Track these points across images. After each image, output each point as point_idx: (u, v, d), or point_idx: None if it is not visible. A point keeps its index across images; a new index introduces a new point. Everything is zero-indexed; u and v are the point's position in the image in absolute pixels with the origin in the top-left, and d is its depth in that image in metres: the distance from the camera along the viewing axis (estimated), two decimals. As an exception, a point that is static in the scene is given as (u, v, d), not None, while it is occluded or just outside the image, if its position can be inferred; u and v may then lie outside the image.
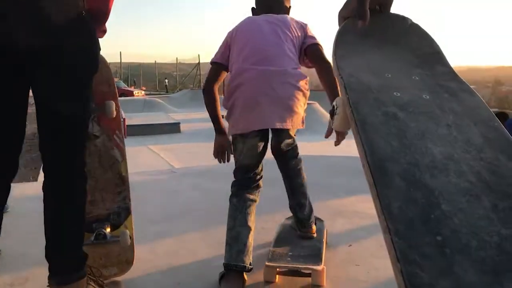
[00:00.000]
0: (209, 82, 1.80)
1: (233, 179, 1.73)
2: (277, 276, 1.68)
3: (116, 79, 28.19)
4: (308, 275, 1.66)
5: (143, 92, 26.23)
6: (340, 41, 0.89)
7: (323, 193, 3.10)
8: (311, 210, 1.96)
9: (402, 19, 0.95)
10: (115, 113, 1.56)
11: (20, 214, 2.34)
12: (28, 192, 2.96)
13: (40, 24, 1.13)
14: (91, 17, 1.26)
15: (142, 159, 6.38)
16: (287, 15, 1.83)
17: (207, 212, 2.68)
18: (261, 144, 1.69)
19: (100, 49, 1.34)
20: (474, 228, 0.53)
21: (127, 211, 1.63)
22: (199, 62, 35.69)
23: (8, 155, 1.24)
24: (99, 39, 1.37)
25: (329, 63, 1.73)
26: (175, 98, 20.60)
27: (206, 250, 2.05)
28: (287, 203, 1.92)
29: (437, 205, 0.56)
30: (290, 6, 1.91)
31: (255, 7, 1.92)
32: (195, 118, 13.79)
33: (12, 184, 1.28)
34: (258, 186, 1.73)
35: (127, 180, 1.63)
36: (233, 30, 1.81)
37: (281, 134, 1.72)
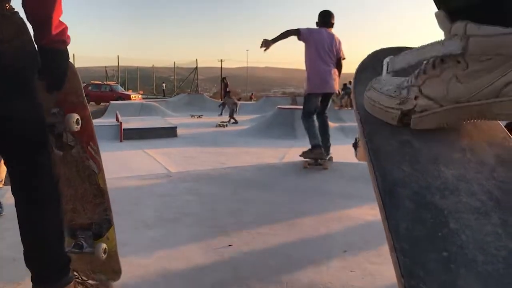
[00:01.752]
0: (293, 31, 4.20)
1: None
2: (307, 165, 4.08)
3: (113, 83, 28.16)
4: (322, 164, 4.04)
5: (140, 96, 26.18)
6: (358, 78, 0.97)
7: (319, 198, 3.10)
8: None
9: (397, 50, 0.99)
10: (76, 127, 1.40)
11: (12, 218, 2.31)
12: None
13: None
14: (33, 23, 1.14)
15: (138, 163, 6.37)
16: (336, 36, 4.28)
17: (202, 216, 2.67)
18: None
19: (61, 53, 1.22)
20: (481, 243, 0.54)
21: (109, 223, 1.57)
22: (196, 66, 35.72)
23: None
24: (68, 48, 1.24)
25: (341, 65, 4.34)
26: (172, 102, 20.59)
27: (200, 255, 2.03)
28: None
29: (445, 224, 0.57)
30: (334, 23, 4.36)
31: (318, 22, 4.36)
32: (192, 122, 13.81)
33: (4, 187, 1.26)
34: (315, 115, 4.25)
35: (106, 193, 1.55)
36: (310, 31, 4.22)
37: (330, 96, 4.31)
